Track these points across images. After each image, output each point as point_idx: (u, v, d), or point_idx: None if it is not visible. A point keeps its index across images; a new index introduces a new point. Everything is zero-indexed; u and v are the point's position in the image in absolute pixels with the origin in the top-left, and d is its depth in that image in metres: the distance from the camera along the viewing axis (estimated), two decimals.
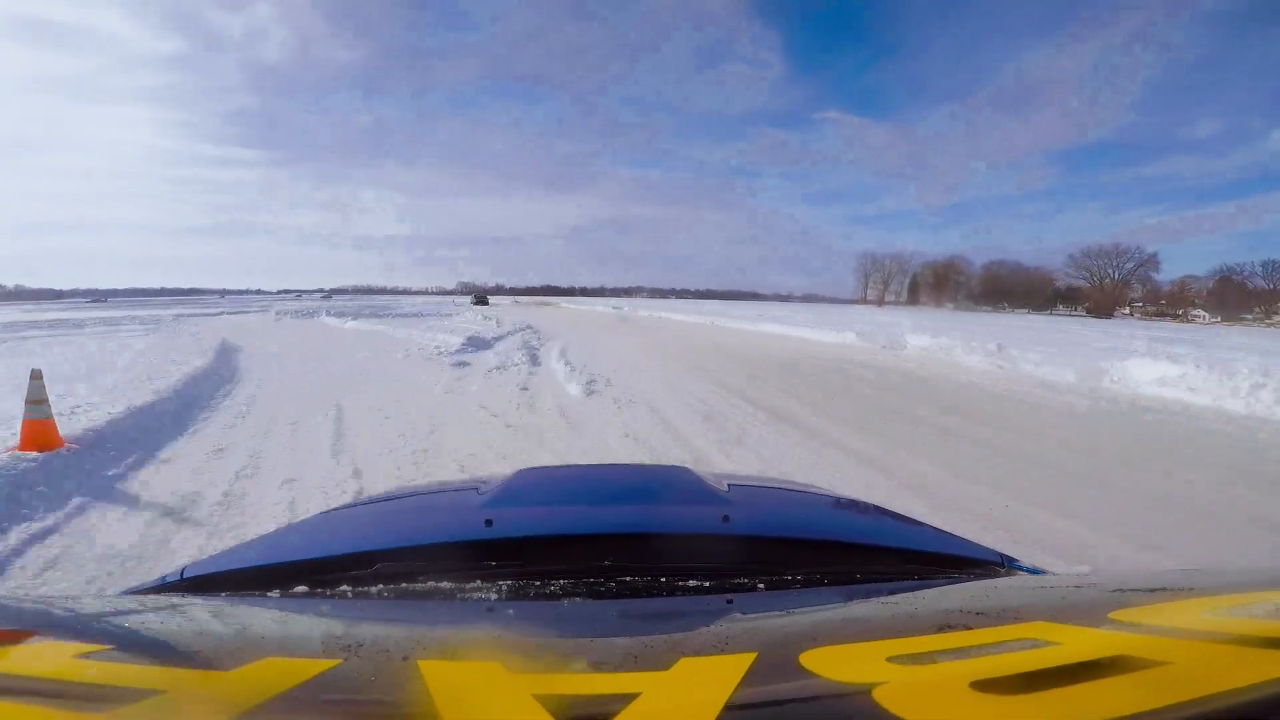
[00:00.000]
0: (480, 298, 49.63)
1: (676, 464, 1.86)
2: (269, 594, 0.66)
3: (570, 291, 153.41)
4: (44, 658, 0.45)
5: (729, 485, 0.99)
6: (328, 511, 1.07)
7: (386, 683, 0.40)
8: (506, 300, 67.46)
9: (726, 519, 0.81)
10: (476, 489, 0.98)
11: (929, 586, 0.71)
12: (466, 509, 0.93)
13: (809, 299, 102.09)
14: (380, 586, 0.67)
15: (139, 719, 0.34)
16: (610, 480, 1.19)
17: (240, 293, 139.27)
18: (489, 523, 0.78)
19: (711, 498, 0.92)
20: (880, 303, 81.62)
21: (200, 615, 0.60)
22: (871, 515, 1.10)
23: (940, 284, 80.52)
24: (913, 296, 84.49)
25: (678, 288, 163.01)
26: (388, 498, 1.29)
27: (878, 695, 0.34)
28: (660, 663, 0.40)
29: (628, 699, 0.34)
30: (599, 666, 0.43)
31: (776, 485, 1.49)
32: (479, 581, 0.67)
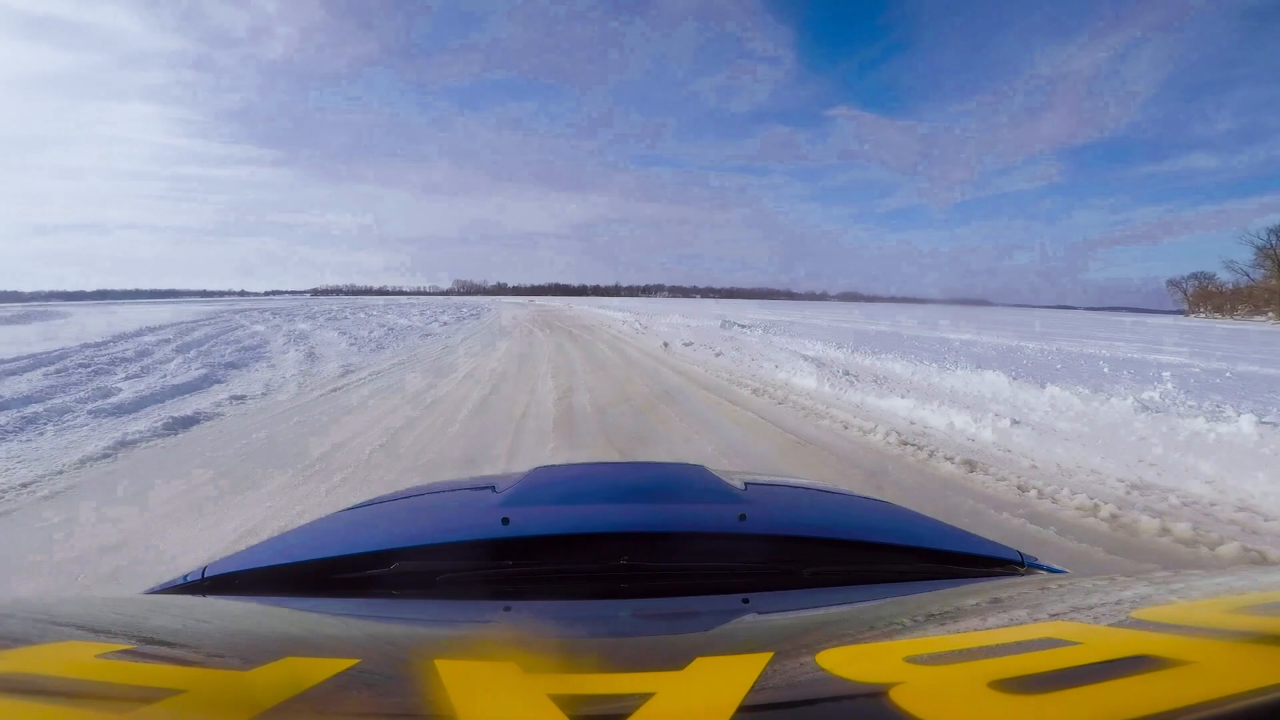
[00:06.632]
0: None
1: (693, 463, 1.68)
2: (288, 593, 0.69)
3: (582, 291, 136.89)
4: (65, 658, 0.44)
5: (745, 484, 1.01)
6: (345, 510, 1.08)
7: (404, 682, 0.42)
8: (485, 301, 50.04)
9: (743, 518, 0.80)
10: (493, 487, 1.00)
11: (947, 586, 0.71)
12: (483, 507, 0.92)
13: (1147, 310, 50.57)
14: (398, 585, 0.69)
15: (160, 719, 0.33)
16: (626, 478, 1.20)
17: (221, 294, 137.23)
18: (506, 521, 0.78)
19: (728, 496, 0.93)
20: None
21: (220, 615, 0.61)
22: (888, 514, 1.06)
23: None
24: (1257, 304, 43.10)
25: (700, 286, 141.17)
26: (405, 496, 1.27)
27: (895, 695, 0.34)
28: (675, 662, 0.40)
29: (642, 699, 0.34)
30: (614, 666, 0.44)
31: (793, 484, 1.44)
32: (495, 580, 0.70)
